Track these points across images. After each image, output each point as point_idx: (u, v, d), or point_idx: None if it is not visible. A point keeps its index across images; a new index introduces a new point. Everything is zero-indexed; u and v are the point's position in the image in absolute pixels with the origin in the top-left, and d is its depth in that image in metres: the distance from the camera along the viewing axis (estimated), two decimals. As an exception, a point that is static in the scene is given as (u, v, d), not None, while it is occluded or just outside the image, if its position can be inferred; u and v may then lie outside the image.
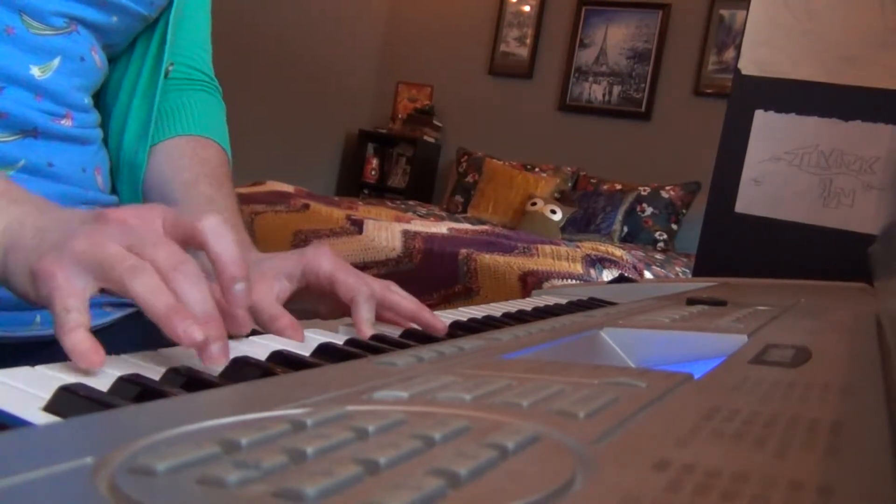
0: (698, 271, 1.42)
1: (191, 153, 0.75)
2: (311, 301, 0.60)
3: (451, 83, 4.88)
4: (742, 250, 1.36)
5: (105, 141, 0.73)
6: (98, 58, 0.67)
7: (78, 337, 0.37)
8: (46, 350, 0.64)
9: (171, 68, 0.75)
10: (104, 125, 0.73)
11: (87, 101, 0.68)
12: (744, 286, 1.05)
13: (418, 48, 5.00)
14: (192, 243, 0.45)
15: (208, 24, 0.83)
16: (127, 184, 0.74)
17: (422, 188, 4.78)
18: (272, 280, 0.58)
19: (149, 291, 0.39)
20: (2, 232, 0.44)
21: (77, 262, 0.40)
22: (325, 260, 0.58)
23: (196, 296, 0.41)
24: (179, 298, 0.40)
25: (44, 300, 0.40)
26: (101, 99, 0.74)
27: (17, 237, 0.44)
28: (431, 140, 4.81)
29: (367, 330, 0.54)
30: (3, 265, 0.44)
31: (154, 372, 0.37)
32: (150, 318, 0.39)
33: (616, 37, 4.49)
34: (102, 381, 0.34)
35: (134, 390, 0.33)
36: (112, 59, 0.72)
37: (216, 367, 0.39)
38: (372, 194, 4.72)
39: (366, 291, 0.56)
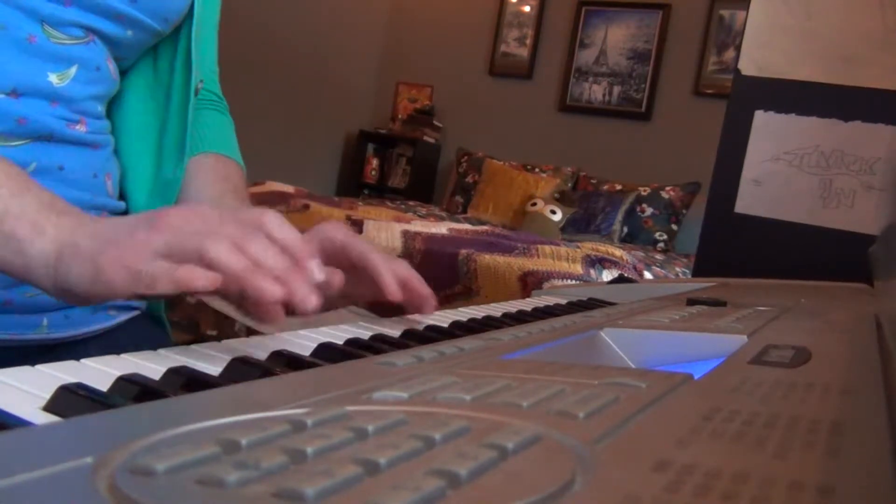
0: (698, 272, 1.41)
1: (213, 173, 0.78)
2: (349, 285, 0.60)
3: (451, 83, 4.88)
4: (742, 250, 1.35)
5: (129, 157, 0.74)
6: (112, 68, 0.69)
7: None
8: (52, 354, 0.64)
9: (200, 86, 0.76)
10: (135, 145, 0.74)
11: (101, 109, 0.69)
12: (744, 286, 1.05)
13: (418, 48, 4.99)
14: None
15: (216, 44, 0.85)
16: (161, 202, 0.75)
17: (422, 188, 4.77)
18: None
19: (224, 253, 0.42)
20: (53, 239, 0.46)
21: (148, 247, 0.43)
22: (336, 231, 0.60)
23: (270, 254, 0.44)
24: (255, 262, 0.43)
25: (131, 281, 0.42)
26: (116, 115, 0.74)
27: (72, 245, 0.45)
28: (431, 140, 4.81)
29: (396, 289, 0.56)
30: (54, 269, 0.46)
31: (154, 372, 0.37)
32: (227, 278, 0.42)
33: (616, 37, 4.48)
34: (102, 381, 0.34)
35: (134, 390, 0.33)
36: (121, 72, 0.73)
37: (309, 310, 0.43)
38: (372, 195, 4.71)
39: (378, 255, 0.58)
